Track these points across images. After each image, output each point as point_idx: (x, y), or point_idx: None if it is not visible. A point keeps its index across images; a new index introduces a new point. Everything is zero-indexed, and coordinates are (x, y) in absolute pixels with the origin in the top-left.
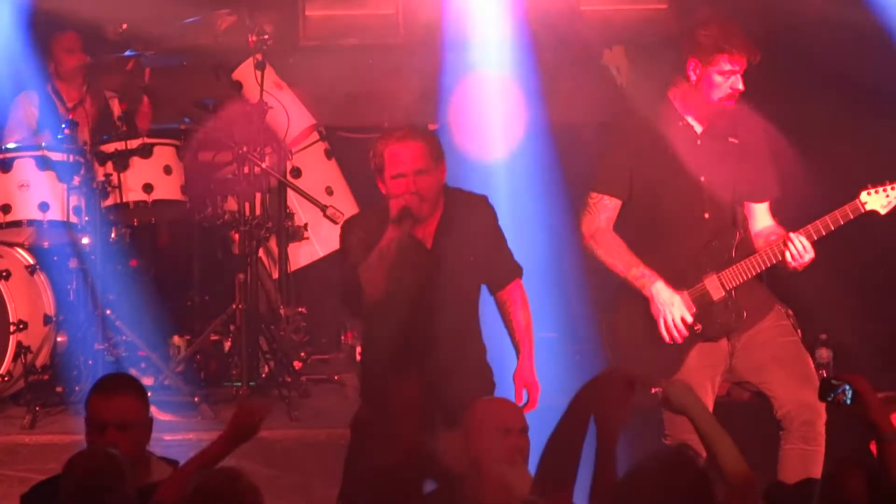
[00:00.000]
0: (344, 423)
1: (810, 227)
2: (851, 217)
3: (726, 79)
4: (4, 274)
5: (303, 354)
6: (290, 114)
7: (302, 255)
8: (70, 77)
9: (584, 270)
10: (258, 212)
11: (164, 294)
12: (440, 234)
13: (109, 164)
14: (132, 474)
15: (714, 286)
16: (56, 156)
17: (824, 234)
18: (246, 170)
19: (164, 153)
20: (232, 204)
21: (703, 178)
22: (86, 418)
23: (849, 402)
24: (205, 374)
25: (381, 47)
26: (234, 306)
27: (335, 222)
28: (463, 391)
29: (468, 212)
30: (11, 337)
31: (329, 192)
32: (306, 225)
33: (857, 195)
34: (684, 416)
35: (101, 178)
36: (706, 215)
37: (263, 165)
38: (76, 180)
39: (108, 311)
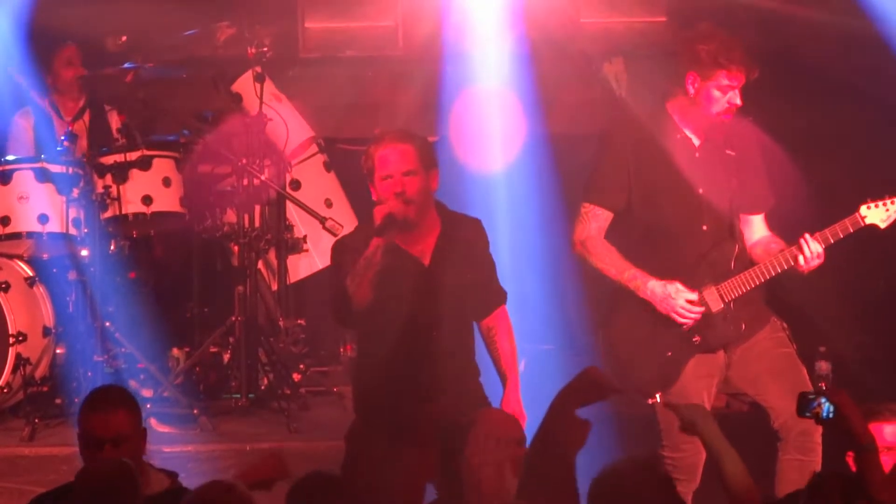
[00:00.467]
0: (343, 435)
1: (818, 235)
2: (851, 230)
3: (724, 94)
4: (4, 286)
5: (302, 366)
6: (289, 126)
7: (301, 267)
8: (68, 90)
9: (581, 283)
10: (257, 224)
11: (163, 306)
12: (438, 251)
13: (108, 177)
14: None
15: (713, 298)
16: (55, 168)
17: (824, 246)
18: (245, 182)
19: (164, 165)
20: (231, 216)
21: (701, 191)
22: (79, 434)
23: (827, 415)
24: (204, 387)
25: (380, 59)
26: (233, 318)
27: (334, 234)
28: (458, 408)
29: (465, 233)
30: (11, 349)
31: (328, 204)
32: (305, 237)
33: (856, 209)
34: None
35: (100, 190)
36: (704, 227)
37: (263, 177)
38: (75, 192)
39: (108, 323)
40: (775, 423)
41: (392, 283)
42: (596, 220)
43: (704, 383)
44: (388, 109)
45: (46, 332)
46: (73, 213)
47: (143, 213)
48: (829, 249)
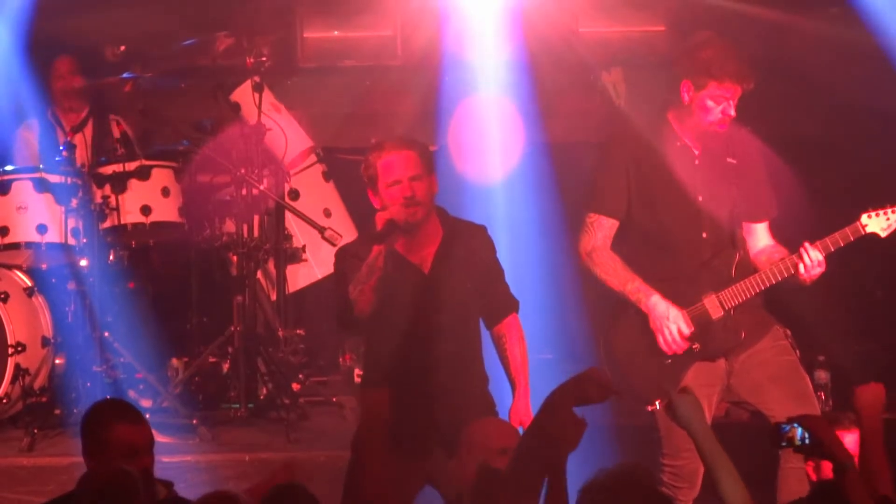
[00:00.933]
0: (342, 444)
1: (819, 244)
2: (852, 239)
3: (718, 104)
4: (2, 296)
5: (301, 376)
6: (287, 135)
7: (300, 276)
8: (69, 101)
9: (581, 291)
10: (256, 234)
11: (162, 316)
12: (438, 259)
13: (107, 187)
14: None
15: (713, 305)
16: (54, 178)
17: (824, 254)
18: (244, 192)
19: (162, 175)
20: (230, 226)
21: (700, 198)
22: (106, 445)
23: (802, 441)
24: (203, 397)
25: (379, 69)
26: (232, 328)
27: (333, 244)
28: (461, 417)
29: (468, 240)
30: (10, 359)
31: (327, 214)
32: (304, 247)
33: (857, 217)
34: (686, 430)
35: (99, 200)
36: (704, 235)
37: (261, 187)
38: (74, 202)
39: (107, 333)
40: None
41: (392, 291)
42: (601, 229)
43: (705, 392)
44: (387, 119)
45: (45, 342)
46: (71, 224)
47: (142, 223)
48: (828, 257)
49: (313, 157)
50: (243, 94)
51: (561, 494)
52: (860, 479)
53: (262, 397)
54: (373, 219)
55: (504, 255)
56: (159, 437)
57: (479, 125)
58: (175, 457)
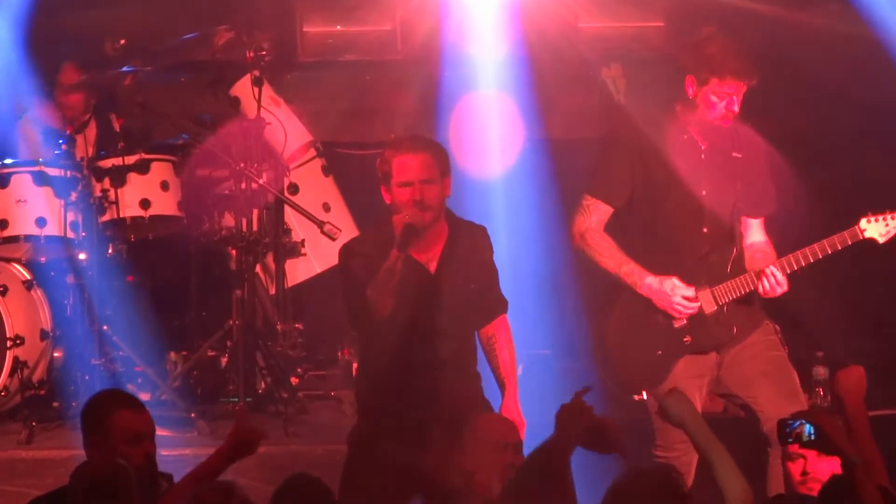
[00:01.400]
0: (340, 438)
1: (798, 254)
2: (850, 243)
3: (721, 100)
4: (1, 289)
5: (299, 370)
6: (287, 130)
7: (299, 271)
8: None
9: (579, 287)
10: (255, 228)
11: (160, 310)
12: (444, 259)
13: (107, 180)
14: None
15: (707, 300)
16: (53, 171)
17: (821, 257)
18: (243, 186)
19: (162, 169)
20: (229, 220)
21: (704, 193)
22: (108, 433)
23: (809, 436)
24: (201, 390)
25: (379, 64)
26: (230, 322)
27: (332, 238)
28: (460, 412)
29: (471, 241)
30: (8, 352)
31: (326, 208)
32: (303, 241)
33: (856, 222)
34: (681, 428)
35: (98, 193)
36: (705, 230)
37: (261, 182)
38: (73, 196)
39: (105, 327)
40: (765, 427)
41: (398, 289)
42: (596, 213)
43: (696, 384)
44: (387, 113)
45: (44, 335)
46: (71, 217)
47: (142, 217)
48: (827, 256)
49: (313, 152)
50: (243, 89)
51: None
52: (869, 475)
53: (260, 391)
54: (376, 214)
55: (502, 250)
56: (157, 431)
57: (479, 120)
58: (173, 450)
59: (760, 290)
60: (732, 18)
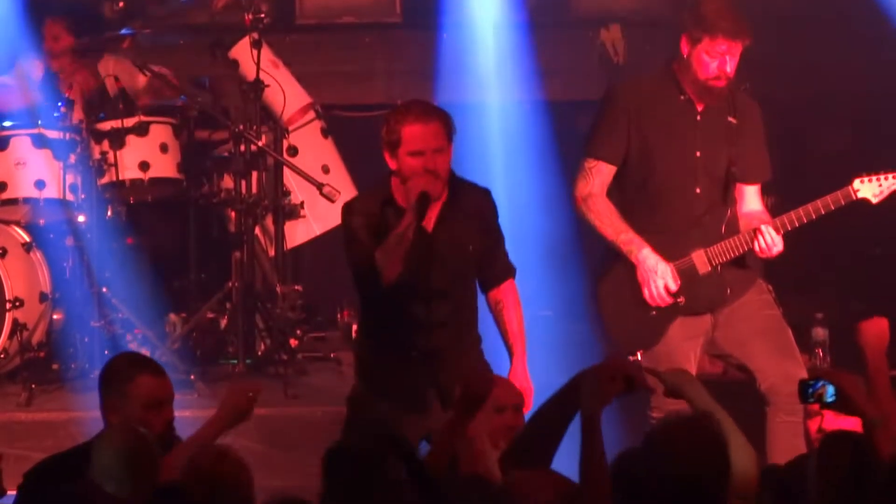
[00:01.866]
0: (340, 400)
1: (793, 215)
2: (843, 203)
3: (712, 59)
4: (0, 251)
5: (299, 332)
6: (286, 92)
7: (298, 233)
8: (59, 56)
9: (580, 249)
10: (254, 190)
11: (160, 272)
12: (442, 219)
13: (105, 142)
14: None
15: (701, 260)
16: (52, 134)
17: (815, 217)
18: (242, 148)
19: (161, 131)
20: (228, 182)
21: (698, 154)
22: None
23: (831, 398)
24: (201, 352)
25: (378, 26)
26: (230, 284)
27: (332, 200)
28: (461, 374)
29: (472, 201)
30: (7, 314)
31: (325, 170)
32: (303, 203)
33: (850, 182)
34: (683, 399)
35: (97, 156)
36: (698, 190)
37: (260, 144)
38: (72, 158)
39: (105, 289)
40: (762, 386)
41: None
42: (599, 175)
43: (690, 345)
44: (386, 76)
45: (43, 297)
46: (70, 179)
47: (141, 180)
48: (824, 217)
49: (312, 114)
50: (242, 51)
51: (598, 447)
52: (889, 434)
53: (259, 353)
54: (375, 176)
55: (503, 212)
56: None
57: (477, 83)
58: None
59: (756, 248)
60: None
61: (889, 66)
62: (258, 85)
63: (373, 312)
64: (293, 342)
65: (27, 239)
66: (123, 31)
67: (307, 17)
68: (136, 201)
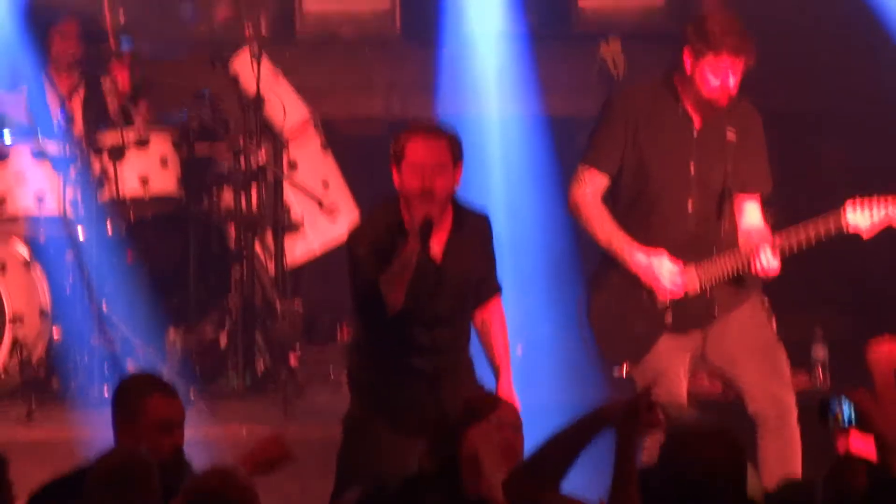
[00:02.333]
0: (339, 418)
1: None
2: (834, 233)
3: (716, 76)
4: (0, 268)
5: (299, 349)
6: (286, 106)
7: (298, 248)
8: (64, 65)
9: (579, 263)
10: (254, 205)
11: (159, 288)
12: (449, 249)
13: (105, 156)
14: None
15: (690, 278)
16: (52, 148)
17: (811, 243)
18: (242, 162)
19: (161, 145)
20: (228, 197)
21: (693, 169)
22: (139, 418)
23: (849, 420)
24: (200, 369)
25: (377, 40)
26: (229, 300)
27: (332, 215)
28: (457, 396)
29: (474, 229)
30: (7, 331)
31: (325, 185)
32: (303, 218)
33: (842, 206)
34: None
35: (97, 170)
36: (691, 207)
37: (261, 162)
38: (72, 173)
39: (105, 306)
40: (750, 407)
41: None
42: (592, 183)
43: (679, 358)
44: (386, 89)
45: (43, 314)
46: (70, 195)
47: (141, 197)
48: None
49: (312, 128)
50: (242, 64)
51: (633, 474)
52: None
53: (259, 370)
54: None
55: (502, 228)
56: None
57: (477, 96)
58: None
59: (755, 269)
60: None
61: (888, 79)
62: (259, 99)
63: (373, 335)
64: (293, 359)
65: (27, 255)
66: (125, 44)
67: (307, 30)
68: (136, 217)
